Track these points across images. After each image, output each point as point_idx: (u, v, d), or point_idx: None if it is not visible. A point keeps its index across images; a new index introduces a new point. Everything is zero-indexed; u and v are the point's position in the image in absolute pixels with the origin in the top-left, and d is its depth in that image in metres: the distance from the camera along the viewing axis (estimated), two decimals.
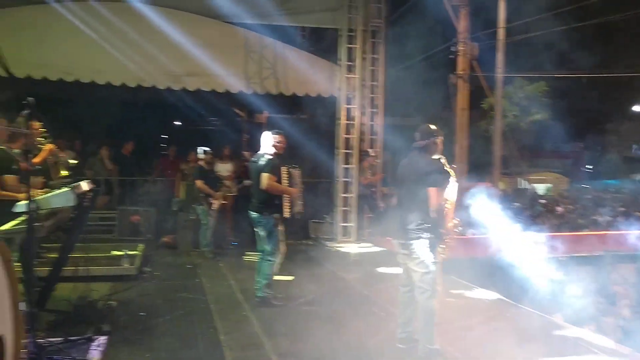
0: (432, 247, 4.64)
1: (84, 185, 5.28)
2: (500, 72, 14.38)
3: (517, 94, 19.82)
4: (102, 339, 4.22)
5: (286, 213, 6.24)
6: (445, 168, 4.70)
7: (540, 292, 7.01)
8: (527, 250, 7.08)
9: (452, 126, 12.28)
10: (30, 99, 3.35)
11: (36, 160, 6.25)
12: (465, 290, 7.15)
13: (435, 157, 4.79)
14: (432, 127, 4.91)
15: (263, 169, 6.16)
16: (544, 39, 14.86)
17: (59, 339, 4.13)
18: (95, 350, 3.98)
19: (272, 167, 6.14)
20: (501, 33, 14.26)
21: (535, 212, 14.57)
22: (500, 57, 14.34)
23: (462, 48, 11.26)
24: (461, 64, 11.36)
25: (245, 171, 11.73)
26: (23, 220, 4.61)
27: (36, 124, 3.68)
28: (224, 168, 10.48)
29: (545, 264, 7.18)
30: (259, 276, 6.32)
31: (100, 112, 12.83)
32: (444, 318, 5.76)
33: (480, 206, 7.07)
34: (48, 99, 8.57)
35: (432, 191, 4.57)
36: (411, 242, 4.64)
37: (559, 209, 16.33)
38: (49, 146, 6.12)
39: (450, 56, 11.60)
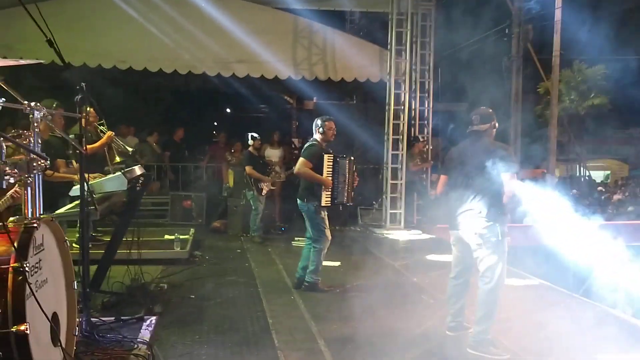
0: (504, 236, 4.49)
1: (137, 170, 5.41)
2: (557, 55, 13.89)
3: (576, 77, 19.11)
4: (153, 320, 4.31)
5: (324, 201, 6.19)
6: (512, 153, 4.57)
7: (597, 282, 6.75)
8: (583, 238, 6.83)
9: (506, 111, 11.96)
10: (83, 84, 3.43)
11: (95, 145, 6.46)
12: (518, 279, 6.98)
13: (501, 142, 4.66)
14: (490, 110, 4.75)
15: (302, 154, 6.17)
16: (604, 20, 14.24)
17: (112, 318, 4.24)
18: (146, 330, 4.07)
19: (311, 153, 6.11)
20: (558, 14, 13.74)
21: (592, 199, 14.11)
22: (557, 39, 13.84)
23: (516, 30, 10.90)
24: (515, 47, 11.01)
25: (294, 157, 11.80)
26: (78, 204, 4.76)
27: (91, 110, 3.77)
28: (273, 153, 10.55)
29: (603, 253, 6.92)
30: (304, 262, 6.33)
31: (153, 99, 13.11)
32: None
33: (536, 193, 6.85)
34: (103, 86, 8.83)
35: (506, 177, 4.39)
36: (485, 230, 4.46)
37: (617, 196, 15.75)
38: (109, 133, 6.31)
39: (505, 39, 11.25)
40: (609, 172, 21.90)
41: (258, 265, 7.66)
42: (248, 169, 9.28)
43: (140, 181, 5.56)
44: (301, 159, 6.11)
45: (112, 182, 5.02)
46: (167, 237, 8.28)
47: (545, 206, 6.76)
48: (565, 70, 17.77)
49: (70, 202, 5.38)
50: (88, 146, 4.94)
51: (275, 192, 9.98)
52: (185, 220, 10.68)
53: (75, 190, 5.06)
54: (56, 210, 4.92)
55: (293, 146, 13.28)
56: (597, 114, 19.61)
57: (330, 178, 6.20)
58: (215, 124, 20.57)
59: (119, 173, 5.11)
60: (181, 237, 7.88)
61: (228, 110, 21.37)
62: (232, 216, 10.16)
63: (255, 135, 9.56)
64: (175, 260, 7.30)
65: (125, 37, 10.00)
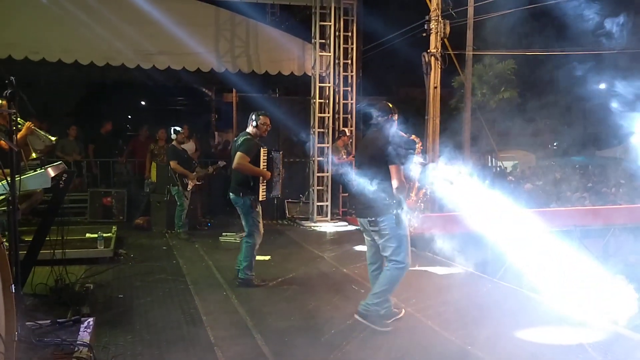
0: (400, 222, 4.71)
1: (60, 167, 5.17)
2: (469, 50, 14.49)
3: (487, 72, 20.02)
4: (91, 321, 4.16)
5: (262, 196, 6.19)
6: (403, 145, 4.78)
7: (514, 267, 7.16)
8: (499, 225, 7.22)
9: (424, 104, 12.36)
10: (12, 78, 3.25)
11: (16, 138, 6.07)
12: (441, 266, 7.28)
13: (397, 134, 4.85)
14: (389, 104, 5.02)
15: (238, 148, 6.12)
16: (513, 17, 14.98)
17: (47, 321, 4.06)
18: (85, 332, 3.92)
19: (248, 147, 6.06)
20: (471, 10, 14.32)
21: (504, 189, 14.84)
22: (469, 35, 14.43)
23: (434, 26, 11.28)
24: (433, 42, 11.39)
25: (214, 151, 11.66)
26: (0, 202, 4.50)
27: (3, 103, 3.57)
28: (186, 147, 10.37)
29: (517, 239, 7.34)
30: (240, 257, 6.32)
31: (68, 92, 12.55)
32: (425, 293, 5.91)
33: (451, 183, 7.16)
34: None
35: (393, 168, 4.67)
36: (381, 219, 4.71)
37: (527, 185, 16.68)
38: (27, 124, 5.95)
39: (423, 34, 11.61)
40: (517, 162, 23.08)
41: (186, 261, 7.54)
42: (173, 163, 9.07)
43: (64, 178, 5.32)
44: (239, 153, 6.02)
45: (33, 179, 4.76)
46: (88, 235, 7.98)
47: (458, 195, 7.09)
48: (478, 65, 18.57)
49: None
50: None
51: (200, 186, 9.82)
52: (106, 218, 10.32)
53: None
54: None
55: (215, 140, 13.13)
56: (506, 107, 20.65)
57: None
58: (130, 117, 19.98)
59: (42, 170, 4.86)
60: (104, 235, 7.62)
61: (143, 102, 20.80)
62: (156, 212, 9.91)
63: (177, 128, 9.36)
64: (100, 259, 7.08)
65: (39, 27, 9.50)
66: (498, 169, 20.47)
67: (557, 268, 6.53)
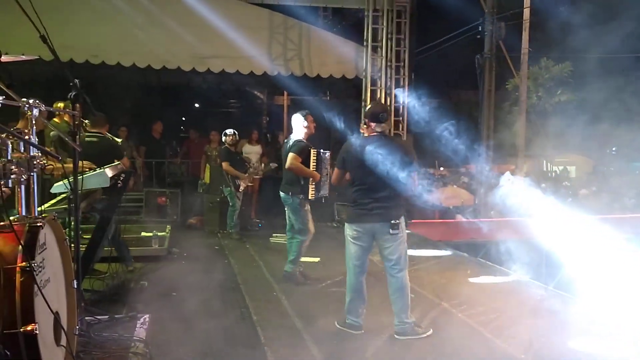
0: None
1: (119, 167, 5.35)
2: (525, 53, 14.15)
3: (543, 74, 19.48)
4: (147, 317, 4.28)
5: (310, 195, 6.27)
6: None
7: (570, 275, 6.94)
8: (554, 232, 7.03)
9: (479, 107, 12.17)
10: (76, 80, 3.38)
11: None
12: (494, 273, 7.14)
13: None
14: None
15: (290, 149, 6.24)
16: (572, 19, 14.55)
17: (105, 316, 4.20)
18: (141, 328, 4.04)
19: (299, 148, 6.20)
20: (526, 13, 14.00)
21: (559, 194, 14.43)
22: (525, 37, 14.11)
23: (489, 28, 11.09)
24: (488, 44, 11.20)
25: (267, 153, 11.78)
26: (59, 200, 4.69)
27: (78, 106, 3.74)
28: (252, 150, 10.52)
29: (573, 246, 7.12)
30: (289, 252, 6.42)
31: (125, 94, 12.90)
32: (476, 300, 5.81)
33: (507, 189, 7.03)
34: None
35: (415, 175, 4.81)
36: (397, 222, 4.72)
37: (583, 191, 16.14)
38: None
39: (478, 36, 11.44)
40: (573, 167, 22.35)
41: (237, 261, 7.64)
42: (225, 165, 9.23)
43: (122, 178, 5.50)
44: (291, 154, 6.18)
45: (94, 178, 4.94)
46: (144, 234, 8.20)
47: (514, 201, 6.93)
48: (533, 67, 18.09)
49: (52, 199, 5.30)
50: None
51: (252, 188, 9.96)
52: (161, 217, 10.57)
53: (57, 187, 4.97)
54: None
55: (268, 141, 13.26)
56: (563, 110, 20.03)
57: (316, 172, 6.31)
58: (183, 119, 20.39)
59: (102, 170, 5.03)
60: (159, 233, 7.81)
61: (197, 105, 21.20)
62: (208, 212, 10.10)
63: (229, 131, 9.51)
64: (154, 258, 7.24)
65: (98, 31, 9.82)
66: (553, 173, 19.87)
67: (616, 277, 6.29)
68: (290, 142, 6.32)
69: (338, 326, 4.94)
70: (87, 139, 6.47)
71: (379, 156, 4.73)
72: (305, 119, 6.35)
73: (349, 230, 4.93)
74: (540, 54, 15.81)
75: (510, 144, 14.83)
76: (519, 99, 14.85)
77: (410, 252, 8.23)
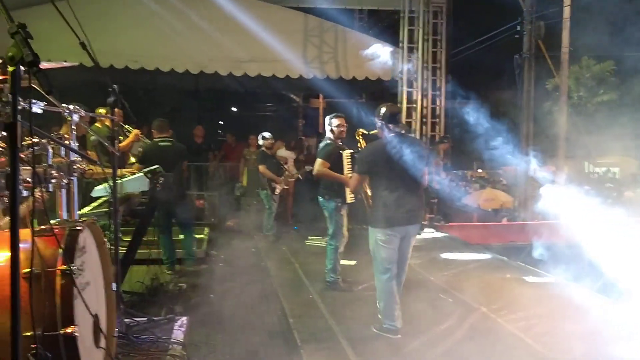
0: None
1: (155, 172, 5.44)
2: (565, 52, 13.84)
3: (584, 74, 19.04)
4: (184, 320, 4.34)
5: (349, 198, 6.19)
6: None
7: (613, 279, 6.74)
8: (597, 235, 6.84)
9: (517, 108, 11.96)
10: (114, 86, 3.45)
11: (125, 143, 6.52)
12: (534, 276, 7.00)
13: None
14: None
15: (318, 154, 6.20)
16: (614, 16, 14.18)
17: (144, 318, 4.27)
18: (179, 330, 4.09)
19: (327, 153, 6.09)
20: (567, 11, 13.70)
21: (602, 196, 14.05)
22: (565, 36, 13.80)
23: (527, 27, 10.88)
24: (527, 44, 10.99)
25: (304, 157, 11.81)
26: (100, 204, 4.79)
27: (118, 111, 3.84)
28: (288, 154, 10.57)
29: (617, 249, 6.92)
30: (327, 260, 6.39)
31: (163, 99, 13.11)
32: (517, 304, 5.69)
33: (549, 191, 6.88)
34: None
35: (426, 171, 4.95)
36: (426, 222, 4.78)
37: (628, 193, 15.67)
38: (135, 131, 6.34)
39: (516, 36, 11.24)
40: (617, 168, 21.74)
41: (274, 264, 7.67)
42: (261, 168, 9.30)
43: (160, 181, 5.58)
44: (318, 160, 6.09)
45: (133, 182, 5.04)
46: (181, 236, 8.29)
47: (557, 203, 6.77)
48: (574, 66, 17.69)
49: (91, 203, 5.42)
50: (119, 145, 5.00)
51: (288, 191, 9.99)
52: (199, 220, 10.68)
53: (97, 191, 5.08)
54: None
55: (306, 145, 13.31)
56: (606, 110, 19.53)
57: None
58: (221, 123, 20.62)
59: (140, 174, 5.12)
60: (197, 236, 7.89)
61: (234, 109, 21.43)
62: (245, 215, 10.17)
63: (266, 134, 9.58)
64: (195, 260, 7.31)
65: (137, 36, 10.01)
66: (596, 175, 19.37)
67: None
68: (322, 144, 6.28)
69: (375, 331, 4.90)
70: (160, 143, 6.67)
71: (406, 157, 4.73)
72: (331, 121, 6.24)
73: (380, 234, 4.81)
74: (581, 53, 15.43)
75: (550, 145, 14.53)
76: (560, 99, 14.54)
77: (448, 255, 8.24)
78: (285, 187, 9.62)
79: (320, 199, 6.32)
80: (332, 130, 6.23)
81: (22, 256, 2.09)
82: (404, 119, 10.70)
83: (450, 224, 10.87)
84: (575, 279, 6.90)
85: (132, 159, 8.38)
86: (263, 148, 9.49)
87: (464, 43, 15.09)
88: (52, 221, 2.58)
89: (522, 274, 7.16)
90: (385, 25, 12.62)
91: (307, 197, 8.58)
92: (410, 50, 10.84)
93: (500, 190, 13.46)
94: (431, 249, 8.73)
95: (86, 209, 5.00)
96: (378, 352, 4.50)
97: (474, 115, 12.87)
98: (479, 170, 14.79)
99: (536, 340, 4.68)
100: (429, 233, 10.30)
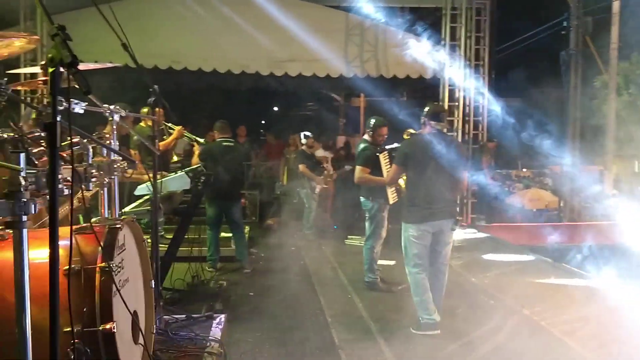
0: None
1: (197, 170, 5.52)
2: (614, 48, 13.43)
3: (634, 70, 18.41)
4: (222, 317, 4.39)
5: (392, 199, 6.14)
6: None
7: None
8: None
9: (563, 106, 11.66)
10: (155, 86, 3.51)
11: (168, 141, 6.66)
12: (579, 279, 6.81)
13: None
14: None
15: (356, 160, 6.21)
16: None
17: (183, 315, 4.34)
18: (217, 328, 4.14)
19: (364, 159, 6.09)
20: (616, 6, 13.29)
21: None
22: (615, 31, 13.38)
23: (574, 23, 10.58)
24: (574, 40, 10.69)
25: (340, 156, 11.80)
26: (143, 202, 4.89)
27: (159, 110, 3.91)
28: (324, 154, 10.58)
29: None
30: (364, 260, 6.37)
31: (206, 99, 13.29)
32: (560, 308, 5.55)
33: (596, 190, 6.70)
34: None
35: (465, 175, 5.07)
36: (460, 218, 4.78)
37: None
38: (178, 128, 6.46)
39: (562, 32, 10.95)
40: None
41: (313, 262, 7.69)
42: (301, 167, 9.34)
43: (202, 180, 5.66)
44: (357, 167, 6.09)
45: (175, 181, 5.13)
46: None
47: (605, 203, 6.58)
48: (623, 63, 17.14)
49: (134, 201, 5.54)
50: (161, 143, 5.12)
51: (328, 190, 10.00)
52: None
53: (140, 190, 5.20)
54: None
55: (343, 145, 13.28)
56: None
57: None
58: (263, 122, 20.82)
59: (182, 172, 5.21)
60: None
61: (275, 108, 21.59)
62: (285, 214, 10.23)
63: (307, 134, 9.61)
64: (233, 258, 7.38)
65: (181, 38, 10.15)
66: None
67: None
68: (359, 148, 6.26)
69: (414, 331, 4.88)
70: (223, 143, 6.82)
71: (442, 153, 4.76)
72: (375, 129, 6.23)
73: (412, 231, 4.87)
74: (630, 50, 14.93)
75: (598, 143, 14.12)
76: (608, 97, 14.12)
77: (491, 256, 8.10)
78: (325, 186, 9.63)
79: (362, 199, 6.30)
80: (372, 135, 6.21)
81: (63, 253, 2.16)
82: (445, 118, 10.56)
83: (493, 224, 10.69)
84: (624, 282, 6.69)
85: (175, 157, 8.55)
86: (303, 147, 9.52)
87: (508, 40, 14.80)
88: (92, 219, 2.64)
89: (567, 276, 6.97)
90: (427, 23, 12.46)
91: (347, 196, 8.56)
92: (453, 47, 10.69)
93: (546, 190, 13.17)
94: (473, 250, 8.59)
95: (129, 207, 5.11)
96: (417, 353, 4.46)
97: (519, 113, 12.63)
98: (524, 170, 14.47)
99: (581, 345, 4.55)
100: (470, 233, 10.15)
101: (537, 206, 12.26)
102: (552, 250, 8.43)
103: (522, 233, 10.23)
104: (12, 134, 2.19)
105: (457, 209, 4.94)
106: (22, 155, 1.93)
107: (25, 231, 1.84)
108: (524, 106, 12.99)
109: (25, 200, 1.84)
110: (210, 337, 3.85)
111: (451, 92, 10.73)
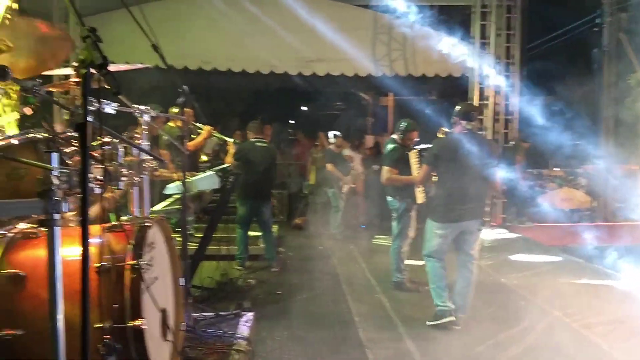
0: None
1: (226, 170, 5.58)
2: None
3: None
4: (250, 315, 4.43)
5: (420, 198, 6.10)
6: None
7: None
8: None
9: (596, 104, 11.43)
10: (185, 87, 3.55)
11: (197, 140, 6.75)
12: (613, 279, 6.67)
13: None
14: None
15: (383, 161, 6.19)
16: None
17: (211, 313, 4.39)
18: (244, 325, 4.18)
19: (392, 159, 6.07)
20: None
21: None
22: None
23: (608, 19, 10.36)
24: (607, 37, 10.47)
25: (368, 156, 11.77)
26: (173, 201, 4.96)
27: (188, 111, 3.97)
28: (355, 155, 10.58)
29: None
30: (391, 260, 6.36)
31: (235, 99, 13.38)
32: (593, 309, 5.44)
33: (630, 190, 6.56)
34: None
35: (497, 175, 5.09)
36: (488, 219, 4.77)
37: None
38: (207, 128, 6.53)
39: (595, 29, 10.73)
40: None
41: (340, 262, 7.70)
42: (329, 166, 9.34)
43: (230, 179, 5.71)
44: (385, 168, 6.07)
45: (204, 180, 5.18)
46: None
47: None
48: None
49: (163, 200, 5.61)
50: (190, 143, 5.18)
51: (356, 189, 9.98)
52: None
53: (169, 189, 5.27)
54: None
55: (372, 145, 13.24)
56: None
57: None
58: (291, 122, 20.85)
59: (211, 172, 5.27)
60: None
61: (304, 108, 21.61)
62: (313, 213, 10.25)
63: (336, 133, 9.62)
64: (261, 257, 7.43)
65: (210, 38, 10.24)
66: None
67: None
68: (387, 148, 6.23)
69: (429, 324, 4.97)
70: (256, 143, 6.91)
71: (473, 153, 4.76)
72: (405, 131, 6.16)
73: (437, 228, 4.96)
74: None
75: (632, 142, 13.80)
76: None
77: (522, 257, 8.00)
78: (353, 185, 9.62)
79: (390, 199, 6.26)
80: (402, 138, 6.17)
81: (94, 251, 2.20)
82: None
83: (524, 224, 10.54)
84: None
85: (204, 157, 8.63)
86: (331, 147, 9.53)
87: (539, 37, 14.55)
88: (123, 218, 2.69)
89: (600, 277, 6.84)
90: (456, 21, 12.34)
91: (375, 196, 8.55)
92: (483, 45, 10.58)
93: (578, 190, 12.92)
94: (503, 250, 8.49)
95: (159, 206, 5.18)
96: (444, 353, 4.42)
97: (550, 112, 12.41)
98: (556, 169, 14.23)
99: (615, 347, 4.46)
100: (501, 233, 10.03)
101: (569, 206, 12.04)
102: (584, 250, 8.28)
103: (554, 233, 10.07)
104: (45, 134, 2.24)
105: (486, 209, 4.87)
106: (55, 155, 1.98)
107: (57, 229, 1.89)
108: (555, 104, 12.76)
109: (57, 199, 1.89)
110: (237, 335, 3.89)
111: (481, 91, 10.63)
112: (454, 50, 10.74)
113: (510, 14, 10.68)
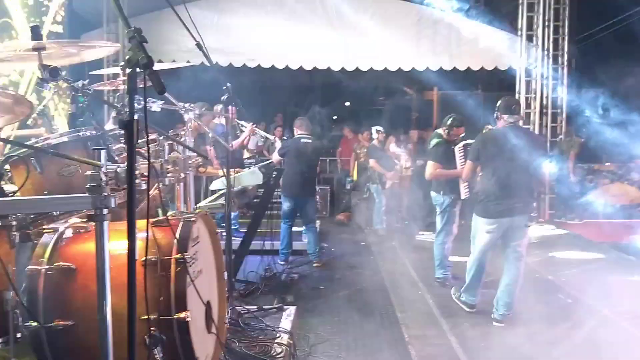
0: None
1: (269, 166, 5.65)
2: None
3: None
4: (292, 310, 4.48)
5: (464, 194, 6.02)
6: None
7: None
8: None
9: None
10: (228, 84, 3.61)
11: (241, 139, 6.89)
12: None
13: None
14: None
15: (428, 155, 6.15)
16: None
17: (254, 307, 4.46)
18: (287, 319, 4.23)
19: (436, 155, 6.02)
20: None
21: None
22: None
23: None
24: None
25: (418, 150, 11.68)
26: (218, 197, 5.05)
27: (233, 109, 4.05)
28: (397, 150, 10.51)
29: None
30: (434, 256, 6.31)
31: (280, 95, 13.47)
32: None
33: None
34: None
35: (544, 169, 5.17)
36: (535, 215, 4.70)
37: None
38: (249, 126, 6.64)
39: None
40: None
41: (383, 258, 7.68)
42: (372, 162, 9.31)
43: (273, 175, 5.78)
44: (430, 163, 6.01)
45: (248, 176, 5.26)
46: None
47: None
48: None
49: (209, 196, 5.72)
50: (234, 142, 5.27)
51: (399, 185, 9.92)
52: None
53: (215, 184, 5.37)
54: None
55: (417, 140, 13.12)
56: None
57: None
58: (335, 117, 20.85)
59: (255, 168, 5.34)
60: None
61: (347, 103, 21.58)
62: (356, 209, 10.25)
63: (379, 128, 9.58)
64: (304, 252, 7.48)
65: (253, 35, 10.33)
66: None
67: None
68: (432, 143, 6.17)
69: (454, 297, 5.36)
70: (302, 139, 7.02)
71: (517, 147, 4.70)
72: (451, 128, 6.07)
73: (483, 224, 4.96)
74: None
75: None
76: None
77: (569, 253, 7.80)
78: (396, 181, 9.56)
79: (434, 194, 6.21)
80: (447, 133, 6.10)
81: (140, 245, 2.27)
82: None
83: (572, 220, 10.30)
84: None
85: (247, 154, 8.75)
86: (374, 142, 9.49)
87: (590, 28, 14.09)
88: (169, 212, 2.76)
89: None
90: (502, 13, 12.09)
91: (419, 191, 8.48)
92: (530, 38, 10.35)
93: (631, 185, 12.51)
94: (551, 247, 8.28)
95: (204, 202, 5.28)
96: (489, 351, 4.37)
97: (602, 105, 12.04)
98: (607, 164, 13.81)
99: None
100: (549, 230, 9.81)
101: (621, 201, 11.67)
102: (635, 247, 8.02)
103: (604, 229, 9.79)
104: (94, 132, 2.32)
105: (534, 204, 4.80)
106: (103, 152, 2.06)
107: (105, 224, 1.96)
108: (607, 97, 12.36)
109: (105, 194, 1.95)
110: (280, 329, 3.94)
111: (528, 84, 10.39)
112: (500, 42, 10.54)
113: (558, 5, 10.39)
